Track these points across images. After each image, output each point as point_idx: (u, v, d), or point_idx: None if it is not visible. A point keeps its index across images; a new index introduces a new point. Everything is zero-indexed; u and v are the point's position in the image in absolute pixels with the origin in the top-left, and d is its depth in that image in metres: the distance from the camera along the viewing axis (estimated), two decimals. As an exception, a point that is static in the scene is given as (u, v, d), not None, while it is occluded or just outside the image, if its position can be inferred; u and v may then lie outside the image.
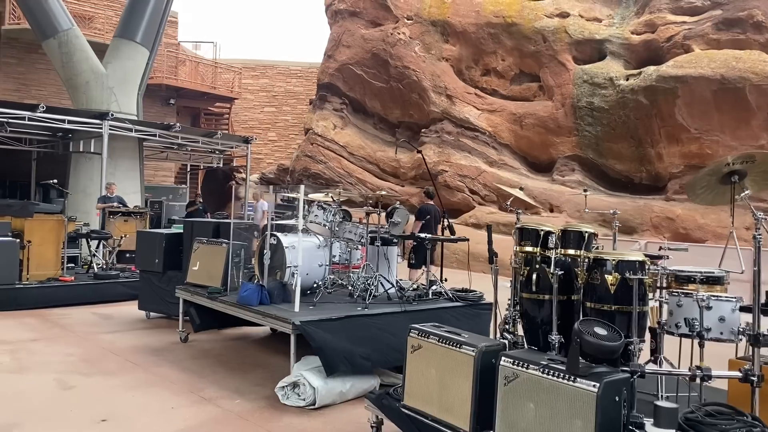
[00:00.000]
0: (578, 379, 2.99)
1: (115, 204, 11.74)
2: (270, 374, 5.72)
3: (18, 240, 8.84)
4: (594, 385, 2.93)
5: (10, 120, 13.16)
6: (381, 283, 6.17)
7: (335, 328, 5.16)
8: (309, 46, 54.07)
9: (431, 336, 3.83)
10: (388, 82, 18.92)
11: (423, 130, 18.33)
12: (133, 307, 8.45)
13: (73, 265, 10.64)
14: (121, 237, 10.42)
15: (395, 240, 6.63)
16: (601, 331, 3.06)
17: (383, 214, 6.54)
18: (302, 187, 5.46)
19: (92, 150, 14.62)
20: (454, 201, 17.05)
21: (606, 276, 3.50)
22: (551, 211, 15.52)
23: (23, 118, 13.09)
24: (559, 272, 3.59)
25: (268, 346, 7.03)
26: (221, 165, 20.66)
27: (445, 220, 6.75)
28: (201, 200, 17.21)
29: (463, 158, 17.24)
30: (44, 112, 13.06)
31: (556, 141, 16.11)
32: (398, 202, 7.58)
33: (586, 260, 3.60)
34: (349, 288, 6.16)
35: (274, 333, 7.37)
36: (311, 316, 5.23)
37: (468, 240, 6.35)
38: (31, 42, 17.86)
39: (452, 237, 6.47)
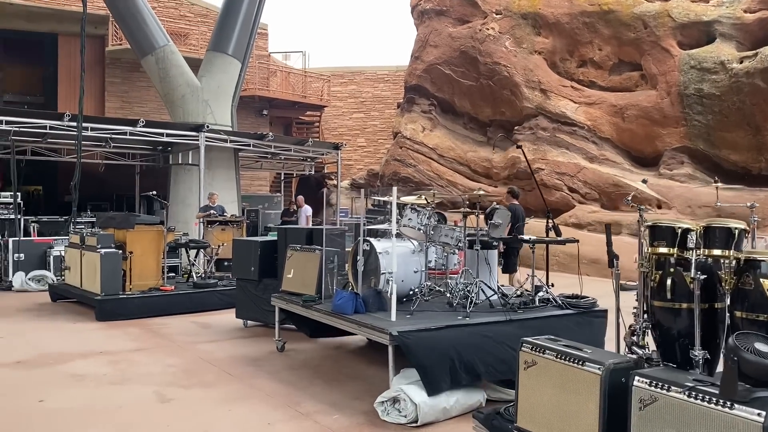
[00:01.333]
0: (737, 406, 2.49)
1: (212, 212, 11.91)
2: (368, 387, 5.44)
3: (121, 251, 9.07)
4: (759, 414, 2.42)
5: (114, 135, 13.74)
6: (482, 289, 5.76)
7: (435, 338, 4.80)
8: (395, 49, 54.05)
9: (547, 351, 3.40)
10: (478, 80, 18.37)
11: (516, 128, 17.64)
12: (230, 316, 8.44)
13: (173, 274, 10.86)
14: (219, 246, 10.52)
15: (495, 243, 6.20)
16: (765, 347, 2.54)
17: (481, 216, 6.12)
18: (395, 189, 5.15)
19: (190, 161, 15.08)
20: (552, 200, 16.24)
21: (761, 280, 2.94)
22: (659, 207, 14.46)
23: (125, 133, 13.64)
24: (701, 276, 3.06)
25: (364, 355, 6.78)
26: (313, 172, 20.85)
27: (550, 221, 6.23)
28: (295, 207, 17.37)
29: (560, 155, 16.44)
30: (143, 126, 13.56)
31: (662, 132, 15.03)
32: (496, 203, 7.14)
33: (735, 262, 3.05)
34: (448, 295, 5.79)
35: (370, 341, 7.11)
36: (409, 325, 4.91)
37: (578, 242, 5.82)
38: (132, 61, 18.71)
39: (559, 239, 5.97)
